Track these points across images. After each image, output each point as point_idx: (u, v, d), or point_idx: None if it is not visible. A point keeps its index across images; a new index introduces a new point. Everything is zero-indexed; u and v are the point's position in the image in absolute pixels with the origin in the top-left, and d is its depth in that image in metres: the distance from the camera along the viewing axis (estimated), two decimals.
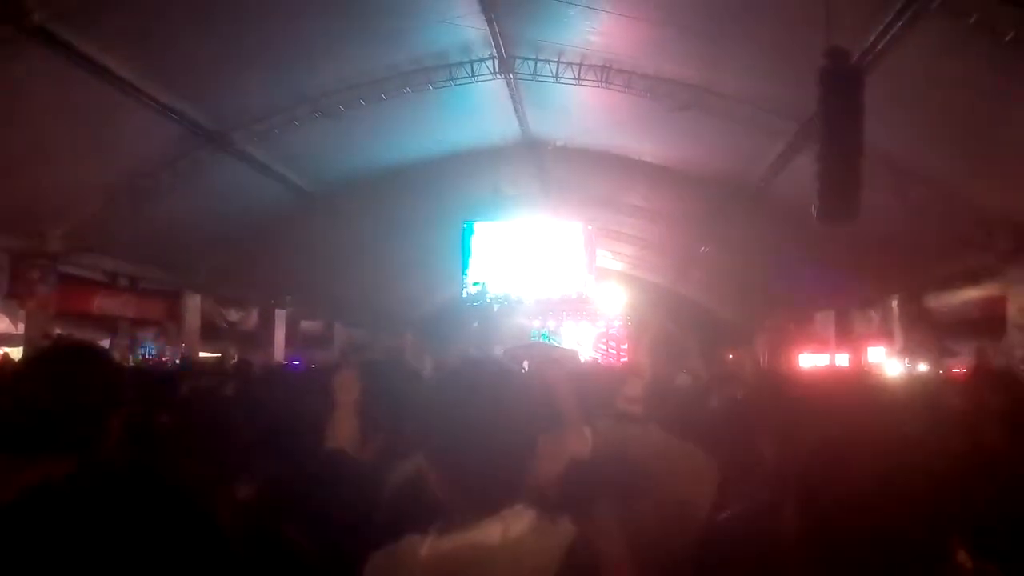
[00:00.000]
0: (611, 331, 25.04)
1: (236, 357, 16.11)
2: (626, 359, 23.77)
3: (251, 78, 11.16)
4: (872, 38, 8.22)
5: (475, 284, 20.09)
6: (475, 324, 23.59)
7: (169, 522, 1.01)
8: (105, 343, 14.27)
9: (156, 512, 1.00)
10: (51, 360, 1.58)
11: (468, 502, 1.40)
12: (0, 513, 1.06)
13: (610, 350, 24.79)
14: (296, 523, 1.64)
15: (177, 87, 10.74)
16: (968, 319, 12.73)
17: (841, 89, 7.30)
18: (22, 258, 11.64)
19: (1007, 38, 7.37)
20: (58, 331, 12.14)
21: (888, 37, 8.11)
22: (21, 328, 11.91)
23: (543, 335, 22.72)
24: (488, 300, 20.56)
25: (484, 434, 1.39)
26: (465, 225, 19.72)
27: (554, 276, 20.27)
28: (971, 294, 12.51)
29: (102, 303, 13.98)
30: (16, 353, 11.82)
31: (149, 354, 15.04)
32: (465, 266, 20.05)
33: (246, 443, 2.26)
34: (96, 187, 11.64)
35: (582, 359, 17.84)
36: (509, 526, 1.36)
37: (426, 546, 1.37)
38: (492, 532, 1.35)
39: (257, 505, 1.82)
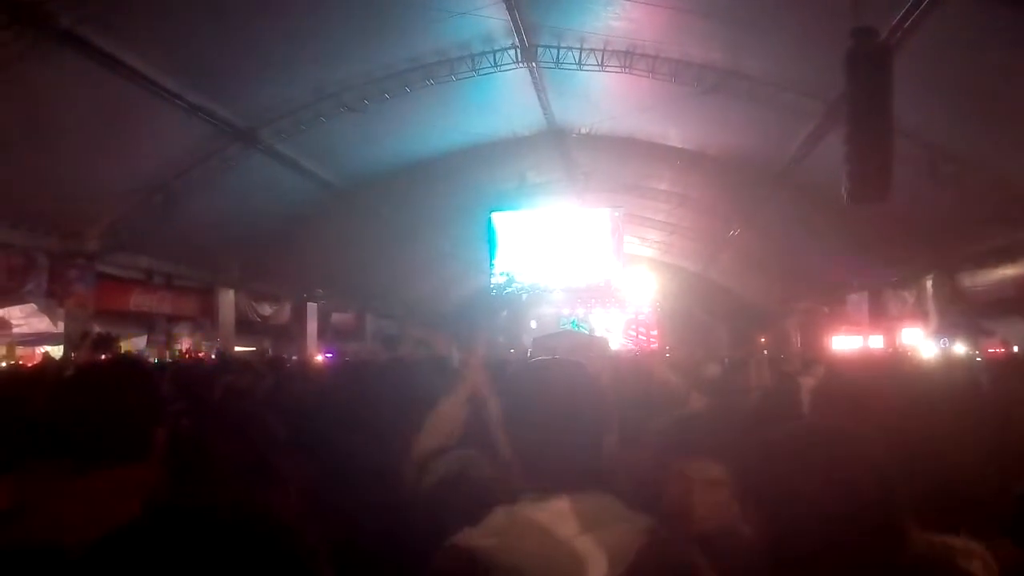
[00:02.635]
0: (640, 317, 24.97)
1: (270, 351, 16.35)
2: (656, 345, 23.71)
3: (277, 75, 11.27)
4: (899, 16, 8.07)
5: (503, 274, 20.15)
6: (504, 313, 23.66)
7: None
8: (142, 339, 14.56)
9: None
10: (97, 374, 1.64)
11: (547, 486, 1.48)
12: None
13: (640, 336, 24.72)
14: (327, 526, 1.68)
15: (205, 86, 10.88)
16: (1004, 298, 12.49)
17: (869, 69, 7.19)
18: (60, 258, 11.88)
19: None
20: (96, 329, 12.39)
21: (916, 15, 7.96)
22: (60, 327, 12.18)
23: (572, 323, 22.73)
24: (516, 289, 20.61)
25: (564, 425, 1.50)
26: (490, 215, 19.77)
27: (582, 264, 20.26)
28: (1006, 272, 12.27)
29: (138, 300, 14.24)
30: (56, 351, 12.10)
31: (185, 350, 15.29)
32: (492, 256, 20.10)
33: (281, 444, 2.32)
34: (129, 187, 11.84)
35: (612, 346, 17.88)
36: (593, 507, 1.44)
37: (517, 513, 1.45)
38: (578, 506, 1.44)
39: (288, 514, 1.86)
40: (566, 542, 1.39)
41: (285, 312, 18.85)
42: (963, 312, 13.56)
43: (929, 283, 14.39)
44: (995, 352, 11.11)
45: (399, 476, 2.16)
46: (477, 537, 1.42)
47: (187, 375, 5.02)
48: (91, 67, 9.16)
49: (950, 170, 10.59)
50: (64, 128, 9.60)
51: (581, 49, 11.73)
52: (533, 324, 22.14)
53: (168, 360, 12.86)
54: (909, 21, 8.06)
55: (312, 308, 19.44)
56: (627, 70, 11.74)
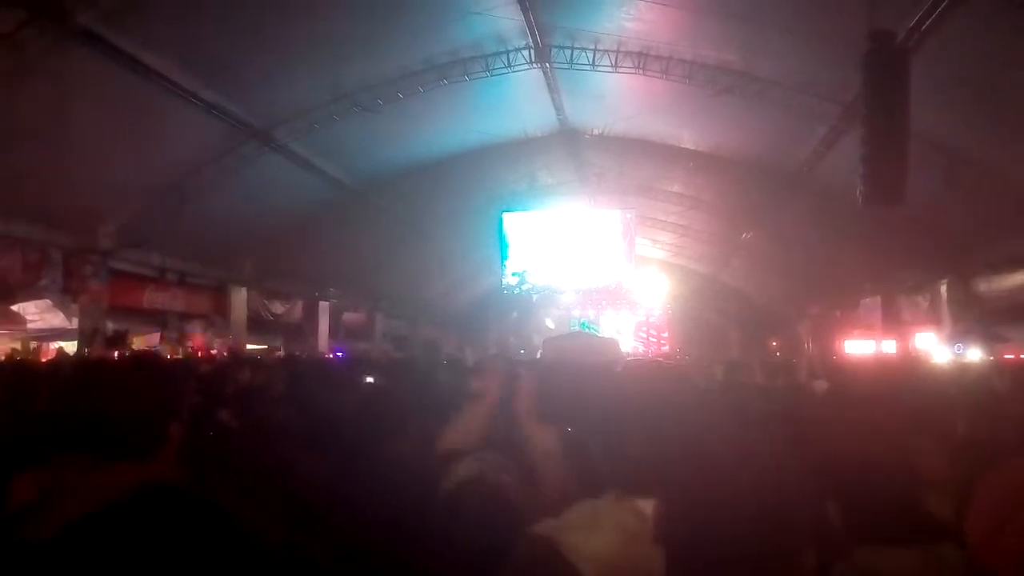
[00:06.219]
0: (651, 320, 24.93)
1: (282, 349, 16.40)
2: (666, 347, 23.66)
3: (291, 74, 11.30)
4: (917, 18, 8.01)
5: (514, 274, 20.14)
6: (514, 314, 23.66)
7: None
8: (154, 336, 14.65)
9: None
10: (113, 370, 1.65)
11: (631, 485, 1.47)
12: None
13: (650, 339, 24.70)
14: (337, 529, 1.69)
15: (220, 85, 10.92)
16: (1019, 304, 12.39)
17: (886, 72, 7.15)
18: (75, 254, 11.95)
19: None
20: (110, 325, 12.48)
21: (934, 16, 7.90)
22: (75, 323, 12.26)
23: (583, 324, 22.70)
24: (527, 290, 20.60)
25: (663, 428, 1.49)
26: (502, 216, 19.77)
27: (593, 265, 20.22)
28: (1022, 278, 12.17)
29: (152, 297, 14.31)
30: (70, 347, 12.19)
31: (197, 347, 15.35)
32: (504, 256, 20.10)
33: (297, 441, 2.32)
34: (144, 185, 11.92)
35: (622, 348, 17.85)
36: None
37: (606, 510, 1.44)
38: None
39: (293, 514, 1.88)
40: (645, 542, 1.37)
41: (297, 311, 18.91)
42: (978, 318, 13.45)
43: (944, 288, 14.28)
44: (1010, 358, 11.02)
45: (416, 476, 2.16)
46: (561, 528, 1.41)
47: (202, 372, 5.05)
48: (108, 65, 9.21)
49: (966, 174, 10.51)
50: (80, 125, 9.65)
51: (595, 50, 11.71)
52: (550, 324, 22.16)
53: (181, 357, 12.93)
54: (927, 23, 8.00)
55: (324, 307, 19.49)
56: (641, 71, 11.71)
